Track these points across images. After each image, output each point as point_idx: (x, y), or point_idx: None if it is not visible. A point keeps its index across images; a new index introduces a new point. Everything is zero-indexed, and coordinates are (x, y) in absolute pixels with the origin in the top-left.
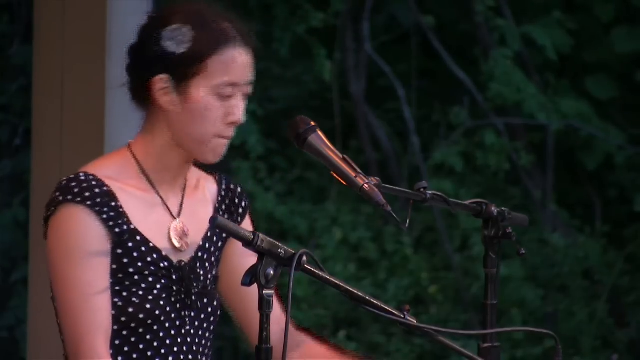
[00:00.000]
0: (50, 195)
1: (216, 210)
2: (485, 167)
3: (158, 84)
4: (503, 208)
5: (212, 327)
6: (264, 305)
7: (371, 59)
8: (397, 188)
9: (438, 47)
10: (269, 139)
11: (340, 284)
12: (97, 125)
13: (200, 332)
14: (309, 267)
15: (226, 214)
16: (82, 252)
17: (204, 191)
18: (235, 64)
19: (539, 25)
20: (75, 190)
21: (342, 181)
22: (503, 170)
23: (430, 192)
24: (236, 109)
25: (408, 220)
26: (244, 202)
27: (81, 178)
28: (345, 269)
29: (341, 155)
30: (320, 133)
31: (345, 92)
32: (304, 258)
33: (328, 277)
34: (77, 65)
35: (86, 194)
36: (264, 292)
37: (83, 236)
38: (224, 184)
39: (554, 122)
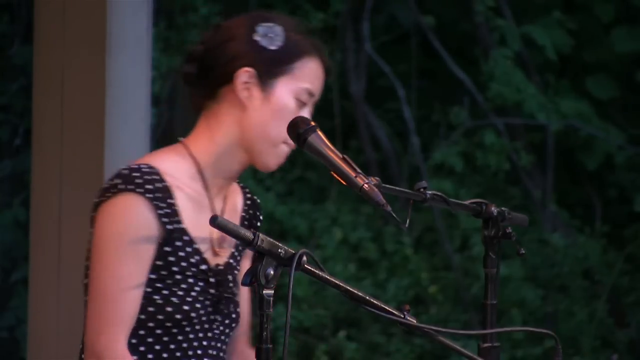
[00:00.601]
0: (109, 181)
1: (243, 220)
2: (485, 167)
3: (243, 76)
4: (503, 208)
5: (231, 334)
6: (264, 305)
7: (371, 59)
8: (397, 188)
9: (438, 47)
10: None
11: (340, 284)
12: (97, 125)
13: (222, 337)
14: (309, 267)
15: (246, 223)
16: (131, 241)
17: (235, 201)
18: (318, 75)
19: (539, 25)
20: (139, 181)
21: (342, 181)
22: (503, 170)
23: (430, 192)
24: None
25: (408, 220)
26: (261, 216)
27: (145, 170)
28: (345, 269)
29: (341, 155)
30: (320, 133)
31: (345, 92)
32: (304, 258)
33: (328, 277)
34: (77, 65)
35: (149, 187)
36: (264, 292)
37: (137, 226)
38: (247, 195)
39: (553, 122)
